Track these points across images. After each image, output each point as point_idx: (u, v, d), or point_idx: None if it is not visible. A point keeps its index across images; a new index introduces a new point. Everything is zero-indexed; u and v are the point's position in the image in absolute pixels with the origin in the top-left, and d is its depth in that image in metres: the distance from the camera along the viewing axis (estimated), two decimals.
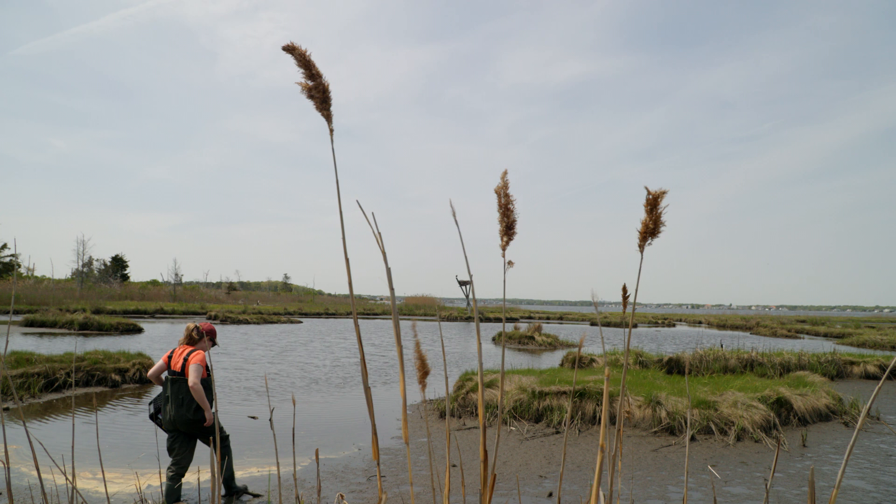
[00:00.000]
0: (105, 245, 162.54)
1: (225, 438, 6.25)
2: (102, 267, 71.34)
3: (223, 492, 6.17)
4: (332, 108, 1.84)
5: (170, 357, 6.11)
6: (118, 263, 72.95)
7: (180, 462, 5.95)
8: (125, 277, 72.57)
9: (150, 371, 6.21)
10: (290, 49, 1.80)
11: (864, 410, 1.51)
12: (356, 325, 1.91)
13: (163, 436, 7.95)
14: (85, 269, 63.25)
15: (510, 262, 1.89)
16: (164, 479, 6.12)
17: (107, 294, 54.95)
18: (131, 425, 9.69)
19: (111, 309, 40.73)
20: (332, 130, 1.86)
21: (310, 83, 1.82)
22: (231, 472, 6.23)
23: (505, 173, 1.88)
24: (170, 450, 6.02)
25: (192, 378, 5.79)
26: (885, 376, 1.68)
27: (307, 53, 1.81)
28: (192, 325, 6.25)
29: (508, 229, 1.88)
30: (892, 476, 7.66)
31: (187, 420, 5.89)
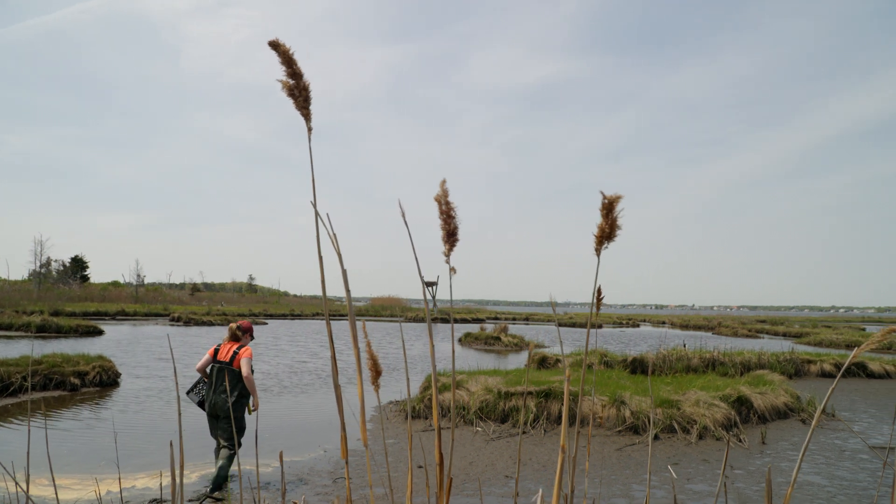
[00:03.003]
0: (65, 245, 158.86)
1: (237, 437, 6.67)
2: (61, 268, 69.50)
3: (211, 482, 6.60)
4: (311, 108, 1.83)
5: (216, 351, 6.96)
6: (78, 264, 71.08)
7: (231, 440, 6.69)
8: (85, 278, 70.73)
9: (198, 365, 7.02)
10: (274, 45, 1.78)
11: (819, 410, 1.55)
12: (328, 326, 1.90)
13: (123, 440, 7.79)
14: (43, 270, 61.61)
15: (453, 269, 1.89)
16: (122, 486, 6.00)
17: (66, 295, 53.60)
18: (91, 430, 9.46)
19: (70, 311, 39.74)
20: (310, 129, 1.85)
21: (291, 82, 1.80)
22: (226, 472, 6.66)
23: (444, 182, 1.89)
24: (214, 434, 6.87)
25: (245, 369, 6.71)
26: (839, 376, 1.72)
27: (290, 51, 1.79)
28: (234, 325, 7.12)
29: (450, 236, 1.88)
30: (845, 471, 7.88)
31: (227, 405, 6.37)
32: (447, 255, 1.89)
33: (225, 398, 6.69)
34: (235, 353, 6.85)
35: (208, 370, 7.03)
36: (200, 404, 7.14)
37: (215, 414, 6.79)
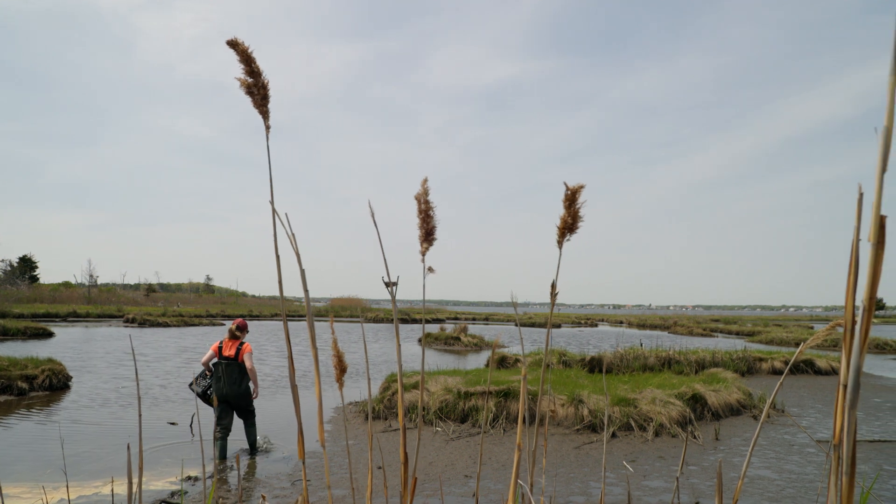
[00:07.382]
0: (12, 245, 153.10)
1: (253, 412, 8.40)
2: (8, 268, 67.14)
3: (249, 451, 8.32)
4: (269, 106, 1.81)
5: (219, 348, 8.22)
6: (26, 264, 68.74)
7: (227, 426, 8.11)
8: (34, 279, 68.42)
9: (203, 359, 8.33)
10: (233, 44, 1.76)
11: (767, 405, 1.60)
12: (285, 327, 1.89)
13: (76, 445, 7.58)
14: None
15: (430, 269, 1.89)
16: (74, 493, 5.83)
17: (13, 297, 51.72)
18: (40, 436, 9.17)
19: (18, 312, 38.51)
20: (268, 128, 1.83)
21: (249, 80, 1.78)
22: (255, 438, 8.35)
23: (425, 181, 1.89)
24: (219, 418, 8.04)
25: (249, 363, 8.11)
26: (785, 371, 1.78)
27: (249, 49, 1.78)
28: (233, 326, 8.32)
29: (428, 235, 1.88)
30: (794, 464, 8.12)
31: (238, 393, 8.11)
32: (423, 253, 1.88)
33: (235, 388, 8.07)
34: (239, 350, 8.16)
35: (212, 364, 8.29)
36: (202, 395, 8.31)
37: (228, 401, 8.09)
